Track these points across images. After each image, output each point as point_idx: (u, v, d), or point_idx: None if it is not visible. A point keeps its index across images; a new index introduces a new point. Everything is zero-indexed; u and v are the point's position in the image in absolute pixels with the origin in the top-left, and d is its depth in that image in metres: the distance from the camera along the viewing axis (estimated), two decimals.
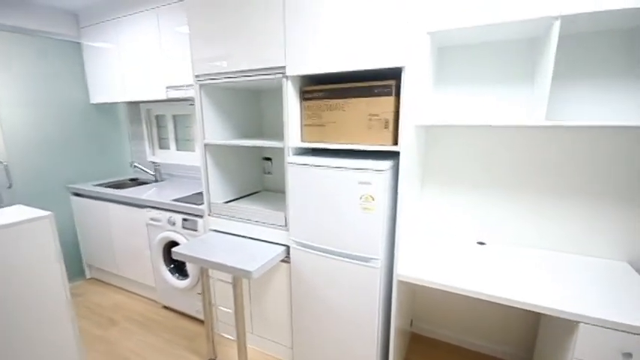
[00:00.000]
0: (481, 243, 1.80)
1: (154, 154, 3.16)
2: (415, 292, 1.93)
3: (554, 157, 1.61)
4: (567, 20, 1.23)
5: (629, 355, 1.08)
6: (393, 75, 1.37)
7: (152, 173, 3.01)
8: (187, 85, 2.17)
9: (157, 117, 3.08)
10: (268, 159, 2.40)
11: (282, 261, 1.77)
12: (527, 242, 1.73)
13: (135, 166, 3.07)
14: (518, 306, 1.23)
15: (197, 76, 1.85)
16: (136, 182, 3.01)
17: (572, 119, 1.50)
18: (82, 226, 2.85)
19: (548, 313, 1.20)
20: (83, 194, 2.73)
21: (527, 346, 1.83)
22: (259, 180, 2.45)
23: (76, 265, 2.93)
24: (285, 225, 1.74)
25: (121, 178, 3.09)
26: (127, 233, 2.53)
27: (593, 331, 1.13)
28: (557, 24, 1.23)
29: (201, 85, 1.87)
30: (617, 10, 1.14)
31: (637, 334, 1.07)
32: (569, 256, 1.61)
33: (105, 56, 2.70)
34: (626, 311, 1.15)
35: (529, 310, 1.22)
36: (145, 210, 2.34)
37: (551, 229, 1.67)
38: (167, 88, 2.35)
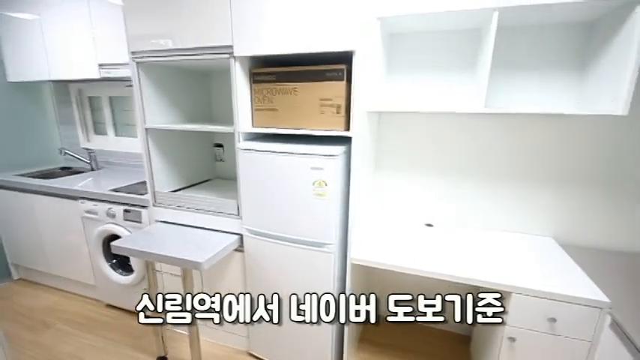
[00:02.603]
0: (429, 225, 1.89)
1: (88, 140, 2.86)
2: (370, 274, 2.00)
3: (493, 142, 1.72)
4: (506, 12, 1.28)
5: (554, 319, 1.22)
6: (345, 60, 1.35)
7: (87, 161, 2.73)
8: (122, 64, 1.96)
9: (91, 99, 2.77)
10: (220, 145, 2.29)
11: (236, 250, 1.71)
12: (469, 223, 1.85)
13: (65, 153, 2.76)
14: (460, 281, 1.33)
15: (133, 53, 1.68)
16: (68, 171, 2.71)
17: (512, 107, 1.58)
18: (3, 222, 2.52)
19: (486, 286, 1.30)
20: (3, 185, 2.40)
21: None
22: (211, 167, 2.34)
23: None
24: (238, 213, 1.68)
25: (50, 167, 2.77)
26: (59, 228, 2.28)
27: (523, 300, 1.25)
28: (495, 15, 1.29)
29: (138, 63, 1.70)
30: (555, 4, 1.21)
31: (560, 301, 1.21)
32: (503, 234, 1.76)
33: (25, 29, 2.33)
34: (551, 281, 1.28)
35: (469, 284, 1.32)
36: (79, 202, 2.12)
37: (489, 210, 1.80)
38: (100, 66, 2.12)
